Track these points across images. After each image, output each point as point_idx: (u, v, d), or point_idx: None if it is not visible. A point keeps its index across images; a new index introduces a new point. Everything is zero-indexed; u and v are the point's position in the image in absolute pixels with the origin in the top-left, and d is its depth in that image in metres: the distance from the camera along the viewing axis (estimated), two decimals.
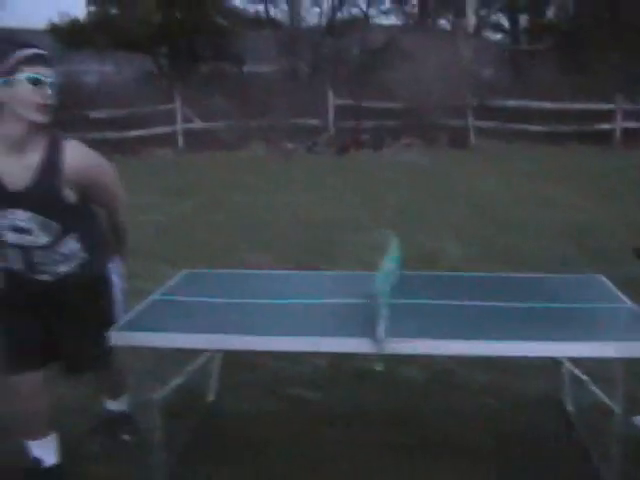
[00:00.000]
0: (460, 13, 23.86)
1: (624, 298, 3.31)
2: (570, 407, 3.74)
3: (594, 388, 3.11)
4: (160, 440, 2.89)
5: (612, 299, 3.33)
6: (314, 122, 17.04)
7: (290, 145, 16.24)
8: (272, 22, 25.75)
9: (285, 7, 26.04)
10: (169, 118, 17.10)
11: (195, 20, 20.91)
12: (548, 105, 17.17)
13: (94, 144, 3.14)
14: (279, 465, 3.34)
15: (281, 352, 3.89)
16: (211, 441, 3.51)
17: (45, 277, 2.91)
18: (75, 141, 2.84)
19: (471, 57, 19.56)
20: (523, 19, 26.79)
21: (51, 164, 2.76)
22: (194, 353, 3.38)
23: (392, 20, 28.40)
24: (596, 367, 3.34)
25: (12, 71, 2.66)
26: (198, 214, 9.40)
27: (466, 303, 3.25)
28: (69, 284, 2.95)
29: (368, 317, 2.87)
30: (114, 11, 21.54)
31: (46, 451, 3.10)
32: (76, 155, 2.80)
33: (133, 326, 2.88)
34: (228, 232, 8.18)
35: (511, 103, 17.21)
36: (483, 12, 25.61)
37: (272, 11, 26.37)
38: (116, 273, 3.14)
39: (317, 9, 25.88)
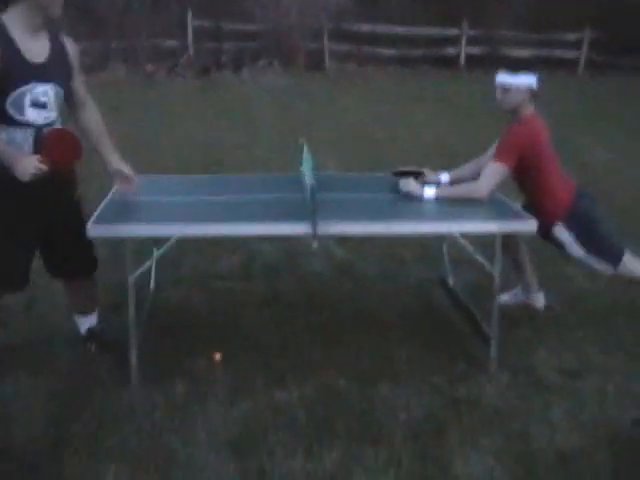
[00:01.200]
0: None
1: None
2: (452, 282, 4.53)
3: (478, 257, 3.83)
4: (133, 314, 3.41)
5: None
6: (173, 43, 17.03)
7: (150, 66, 16.22)
8: None
9: None
10: None
11: None
12: (399, 30, 17.97)
13: None
14: (216, 337, 3.94)
15: (230, 237, 4.64)
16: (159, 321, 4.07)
17: None
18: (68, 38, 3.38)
19: None
20: None
21: (60, 45, 3.27)
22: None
23: None
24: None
25: None
26: (81, 137, 9.45)
27: (370, 196, 3.91)
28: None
29: (300, 208, 3.49)
30: None
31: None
32: (71, 43, 3.36)
33: (102, 220, 3.33)
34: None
35: (365, 27, 17.87)
36: None
37: None
38: None
39: None
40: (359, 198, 3.86)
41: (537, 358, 3.81)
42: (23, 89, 3.09)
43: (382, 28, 17.92)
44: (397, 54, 17.93)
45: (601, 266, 4.01)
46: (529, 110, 3.87)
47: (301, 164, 4.09)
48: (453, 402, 3.38)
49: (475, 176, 3.94)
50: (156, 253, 3.88)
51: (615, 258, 3.98)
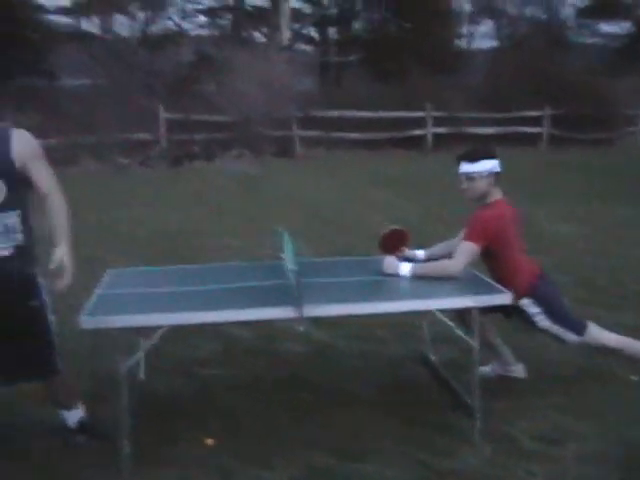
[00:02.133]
0: (274, 27, 24.84)
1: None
2: (433, 357, 4.66)
3: (458, 331, 3.98)
4: (125, 404, 3.49)
5: None
6: (145, 136, 17.37)
7: (123, 160, 16.50)
8: (85, 35, 25.50)
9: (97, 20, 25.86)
10: None
11: (7, 34, 20.47)
12: (364, 114, 18.53)
13: None
14: (201, 423, 4.01)
15: (219, 324, 4.87)
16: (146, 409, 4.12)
17: None
18: (20, 129, 3.45)
19: (289, 69, 20.55)
20: (332, 32, 28.44)
21: (3, 138, 3.37)
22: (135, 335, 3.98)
23: (207, 33, 28.97)
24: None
25: None
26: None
27: (349, 279, 4.08)
28: (5, 266, 3.36)
29: (283, 293, 3.64)
30: None
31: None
32: (21, 137, 3.42)
33: (94, 313, 3.46)
34: (90, 244, 8.44)
35: (332, 113, 18.40)
36: (296, 26, 26.84)
37: (84, 24, 26.21)
38: (41, 278, 3.56)
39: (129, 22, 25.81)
40: (339, 281, 4.03)
41: (517, 427, 3.92)
42: None
43: (348, 113, 18.45)
44: (364, 137, 18.44)
45: (567, 336, 4.17)
46: (496, 194, 4.08)
47: (282, 251, 4.24)
48: (439, 475, 3.47)
49: (446, 256, 4.12)
50: (145, 343, 3.97)
51: (581, 327, 4.16)
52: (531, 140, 19.45)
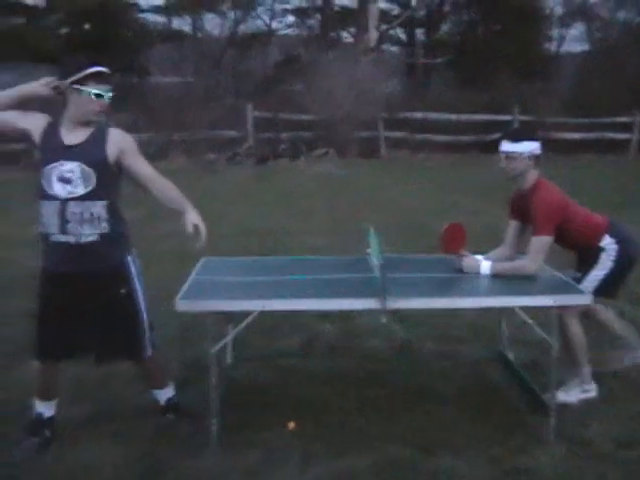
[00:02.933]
0: (361, 27, 24.97)
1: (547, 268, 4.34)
2: (511, 357, 4.74)
3: (537, 329, 4.05)
4: (215, 383, 3.72)
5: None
6: (233, 133, 17.80)
7: (211, 156, 16.94)
8: (177, 34, 26.15)
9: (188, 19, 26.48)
10: None
11: (103, 33, 21.21)
12: (449, 116, 18.52)
13: None
14: (283, 411, 4.19)
15: (311, 311, 5.13)
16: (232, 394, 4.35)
17: (71, 239, 3.60)
18: (116, 128, 3.78)
19: (375, 70, 20.68)
20: (420, 33, 28.45)
21: (100, 134, 3.70)
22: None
23: (295, 32, 29.35)
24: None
25: (83, 82, 3.58)
26: (148, 223, 9.83)
27: (430, 275, 4.24)
28: (91, 252, 3.64)
29: (367, 285, 3.84)
30: (20, 21, 21.63)
31: (48, 408, 3.93)
32: (116, 133, 3.74)
33: (188, 297, 3.72)
34: (179, 239, 8.73)
35: (417, 115, 18.46)
36: (383, 27, 26.92)
37: (175, 23, 26.91)
38: (135, 265, 3.85)
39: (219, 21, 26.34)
40: (421, 277, 4.19)
41: (591, 431, 3.97)
42: (52, 165, 3.58)
43: (433, 115, 18.47)
44: (449, 140, 18.43)
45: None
46: (535, 175, 4.17)
47: (368, 246, 4.41)
48: (512, 471, 3.57)
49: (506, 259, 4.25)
50: (233, 329, 4.19)
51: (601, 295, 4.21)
52: (620, 147, 19.08)
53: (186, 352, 5.06)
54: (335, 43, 25.23)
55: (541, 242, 4.07)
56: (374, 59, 20.98)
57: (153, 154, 16.56)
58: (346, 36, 28.26)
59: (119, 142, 3.72)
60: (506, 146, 4.18)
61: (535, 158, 4.17)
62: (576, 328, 4.22)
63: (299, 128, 17.99)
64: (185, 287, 3.89)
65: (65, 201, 3.59)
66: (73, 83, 3.59)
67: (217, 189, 13.18)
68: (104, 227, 3.67)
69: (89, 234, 3.63)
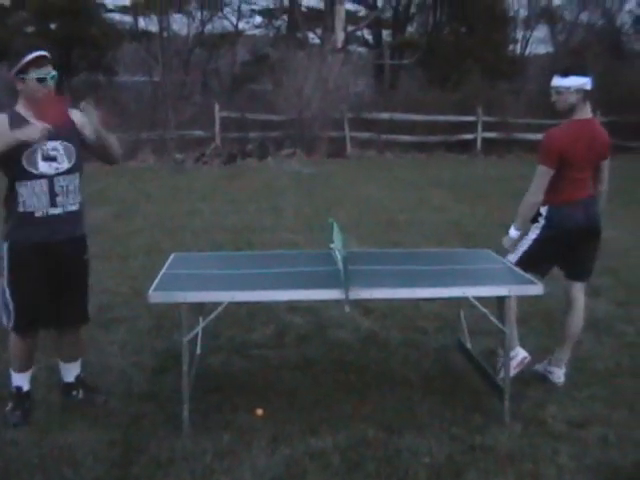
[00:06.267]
0: (328, 28, 25.11)
1: (504, 260, 4.55)
2: (469, 345, 4.94)
3: (492, 318, 4.22)
4: (186, 371, 3.86)
5: (496, 262, 4.60)
6: (201, 133, 17.90)
7: (179, 156, 17.01)
8: (144, 33, 26.01)
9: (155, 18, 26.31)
10: None
11: (69, 31, 21.17)
12: (415, 117, 18.76)
13: None
14: (255, 395, 4.35)
15: (278, 302, 5.32)
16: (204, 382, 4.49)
17: (59, 210, 3.87)
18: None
19: (343, 71, 20.85)
20: (387, 34, 28.68)
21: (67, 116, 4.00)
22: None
23: (262, 33, 29.44)
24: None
25: (25, 70, 3.79)
26: (117, 220, 9.92)
27: (397, 267, 4.41)
28: (74, 221, 3.97)
29: (332, 277, 4.00)
30: None
31: (25, 381, 4.11)
32: (76, 112, 4.00)
33: (160, 289, 3.86)
34: (150, 235, 8.83)
35: (383, 115, 18.68)
36: (350, 28, 27.07)
37: (142, 23, 26.75)
38: None
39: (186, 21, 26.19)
40: (384, 269, 4.35)
41: (547, 412, 4.19)
42: (35, 147, 3.79)
43: (400, 116, 18.71)
44: (415, 140, 18.68)
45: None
46: (583, 112, 4.31)
47: (331, 241, 4.59)
48: (471, 448, 3.77)
49: None
50: (203, 321, 4.33)
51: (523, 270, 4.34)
52: None
53: (157, 343, 5.19)
54: (302, 43, 25.33)
55: (538, 171, 4.29)
56: (341, 60, 21.13)
57: (122, 153, 16.61)
58: (313, 37, 28.46)
59: (81, 119, 4.00)
60: (556, 81, 4.32)
61: (584, 93, 4.29)
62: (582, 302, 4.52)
63: (267, 128, 18.11)
64: (157, 280, 4.03)
65: (53, 177, 3.85)
66: (17, 73, 3.80)
67: (188, 187, 13.25)
68: (81, 197, 4.03)
69: (72, 203, 3.96)
